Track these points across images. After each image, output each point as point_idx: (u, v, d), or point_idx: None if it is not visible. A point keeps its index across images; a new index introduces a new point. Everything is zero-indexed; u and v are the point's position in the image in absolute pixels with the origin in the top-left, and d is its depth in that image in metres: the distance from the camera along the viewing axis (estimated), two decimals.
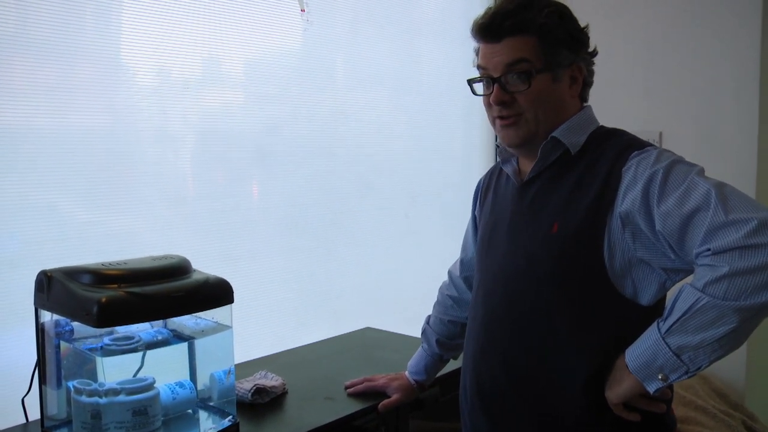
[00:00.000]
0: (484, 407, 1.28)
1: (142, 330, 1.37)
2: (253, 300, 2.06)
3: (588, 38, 1.24)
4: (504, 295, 1.24)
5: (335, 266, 2.35)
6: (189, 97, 1.91)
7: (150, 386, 1.30)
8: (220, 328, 1.41)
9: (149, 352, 1.34)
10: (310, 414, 1.49)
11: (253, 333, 2.04)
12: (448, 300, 1.59)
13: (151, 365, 1.34)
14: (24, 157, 1.60)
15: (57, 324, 1.32)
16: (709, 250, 1.01)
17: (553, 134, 1.20)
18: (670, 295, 1.11)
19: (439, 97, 2.70)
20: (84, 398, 1.26)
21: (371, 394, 1.58)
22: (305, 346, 2.02)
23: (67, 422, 1.32)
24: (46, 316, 1.33)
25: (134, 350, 1.31)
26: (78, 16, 1.67)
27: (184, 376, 1.43)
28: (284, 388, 1.62)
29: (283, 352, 1.96)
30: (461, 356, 1.42)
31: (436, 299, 1.63)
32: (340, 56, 2.34)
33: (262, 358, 1.89)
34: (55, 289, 1.26)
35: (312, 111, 2.23)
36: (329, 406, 1.53)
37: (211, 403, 1.45)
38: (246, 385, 1.55)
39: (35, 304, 1.32)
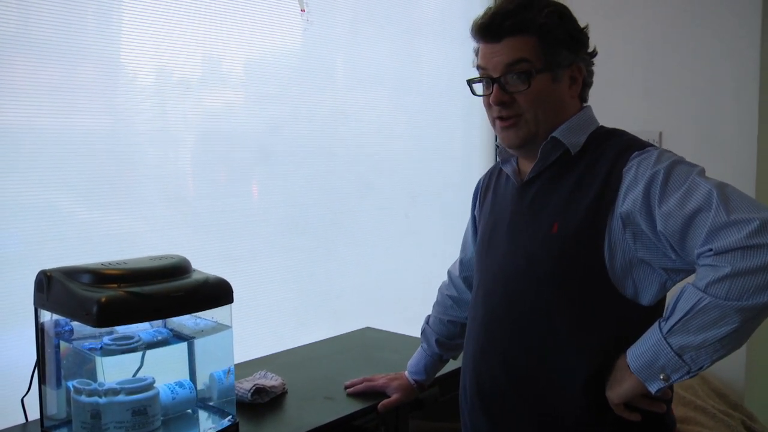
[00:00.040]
0: (484, 407, 1.28)
1: (141, 330, 1.37)
2: (253, 300, 2.06)
3: (587, 38, 1.24)
4: (504, 295, 1.24)
5: (335, 266, 2.35)
6: (189, 98, 1.91)
7: (149, 386, 1.30)
8: (219, 327, 1.41)
9: (149, 352, 1.34)
10: (309, 414, 1.49)
11: (252, 333, 2.04)
12: (447, 300, 1.59)
13: (151, 365, 1.34)
14: (25, 157, 1.60)
15: (57, 324, 1.32)
16: (711, 250, 1.01)
17: (553, 134, 1.20)
18: (671, 295, 1.11)
19: (439, 97, 2.70)
20: (83, 398, 1.26)
21: (371, 394, 1.58)
22: (305, 346, 2.02)
23: (67, 422, 1.32)
24: (46, 316, 1.33)
25: (134, 350, 1.31)
26: (79, 16, 1.67)
27: (184, 375, 1.43)
28: (284, 388, 1.62)
29: (282, 352, 1.96)
30: (461, 356, 1.42)
31: (435, 299, 1.63)
32: (341, 56, 2.34)
33: (261, 357, 1.89)
34: (54, 288, 1.26)
35: (312, 111, 2.23)
36: (329, 406, 1.53)
37: (211, 403, 1.45)
38: (246, 385, 1.55)
39: (35, 303, 1.32)
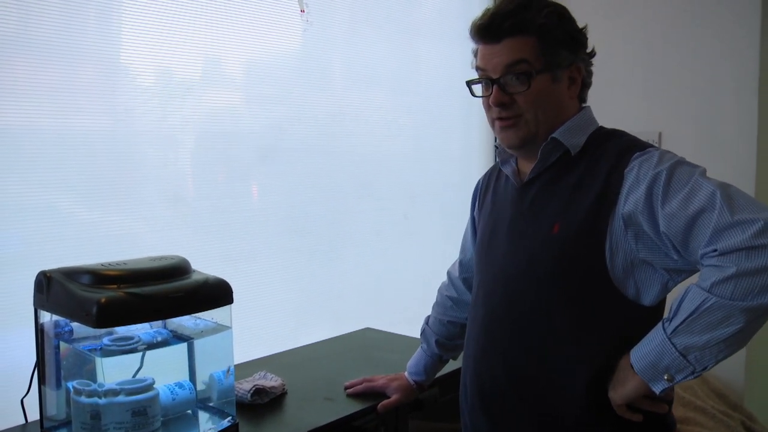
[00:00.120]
0: (484, 407, 1.28)
1: (141, 330, 1.37)
2: (253, 300, 2.06)
3: (586, 39, 1.24)
4: (504, 295, 1.24)
5: (335, 266, 2.35)
6: (189, 98, 1.91)
7: (149, 387, 1.30)
8: (219, 328, 1.41)
9: (148, 353, 1.34)
10: (309, 414, 1.49)
11: (252, 333, 2.04)
12: (447, 301, 1.59)
13: (151, 366, 1.34)
14: (25, 157, 1.60)
15: (56, 324, 1.32)
16: (715, 250, 1.01)
17: (554, 135, 1.20)
18: (671, 296, 1.11)
19: (438, 97, 2.70)
20: (83, 399, 1.26)
21: (371, 395, 1.58)
22: (305, 346, 2.02)
23: (67, 423, 1.32)
24: (46, 317, 1.33)
25: (134, 351, 1.31)
26: (80, 17, 1.67)
27: (184, 376, 1.43)
28: (284, 389, 1.62)
29: (282, 352, 1.96)
30: (461, 356, 1.42)
31: (435, 300, 1.63)
32: (340, 57, 2.34)
33: (261, 358, 1.89)
34: (54, 289, 1.26)
35: (312, 111, 2.23)
36: (329, 407, 1.54)
37: (211, 404, 1.45)
38: (245, 386, 1.55)
39: (35, 304, 1.32)
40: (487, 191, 1.40)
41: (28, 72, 1.60)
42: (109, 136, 1.75)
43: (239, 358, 1.67)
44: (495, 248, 1.29)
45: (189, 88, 1.91)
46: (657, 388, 1.07)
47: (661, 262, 1.11)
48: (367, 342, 2.08)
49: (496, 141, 1.46)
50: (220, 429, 1.38)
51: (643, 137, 1.22)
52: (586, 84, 1.26)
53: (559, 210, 1.18)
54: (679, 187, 1.06)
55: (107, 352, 1.28)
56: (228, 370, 1.43)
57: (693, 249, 1.05)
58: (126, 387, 1.27)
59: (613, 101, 2.58)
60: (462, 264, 1.56)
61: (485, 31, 1.19)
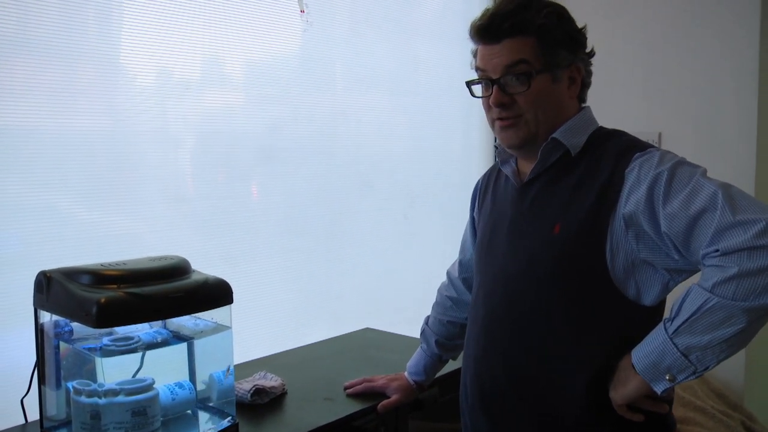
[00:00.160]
0: (484, 407, 1.28)
1: (141, 330, 1.37)
2: (253, 300, 2.06)
3: (586, 39, 1.24)
4: (504, 295, 1.24)
5: (335, 266, 2.35)
6: (189, 99, 1.91)
7: (149, 387, 1.30)
8: (219, 328, 1.41)
9: (148, 353, 1.34)
10: (309, 414, 1.49)
11: (252, 333, 2.03)
12: (447, 301, 1.59)
13: (151, 366, 1.34)
14: (25, 158, 1.60)
15: (56, 324, 1.32)
16: (717, 250, 1.01)
17: (554, 135, 1.20)
18: (671, 296, 1.11)
19: (438, 97, 2.70)
20: (83, 399, 1.26)
21: (370, 395, 1.58)
22: (305, 346, 2.02)
23: (67, 423, 1.32)
24: (46, 317, 1.33)
25: (133, 351, 1.31)
26: (79, 18, 1.67)
27: (184, 376, 1.43)
28: (284, 389, 1.62)
29: (282, 352, 1.96)
30: (461, 357, 1.42)
31: (435, 300, 1.63)
32: (340, 57, 2.34)
33: (261, 358, 1.89)
34: (54, 289, 1.26)
35: (312, 111, 2.23)
36: (329, 407, 1.54)
37: (211, 404, 1.45)
38: (245, 386, 1.55)
39: (34, 304, 1.32)
40: (486, 191, 1.40)
41: (27, 72, 1.60)
42: (108, 136, 1.75)
43: (239, 358, 1.67)
44: (495, 248, 1.29)
45: (188, 89, 1.91)
46: (658, 388, 1.07)
47: (662, 263, 1.11)
48: (366, 342, 2.08)
49: (496, 141, 1.46)
50: (219, 429, 1.38)
51: (643, 137, 1.22)
52: (585, 84, 1.26)
53: (559, 210, 1.18)
54: (680, 188, 1.06)
55: (107, 352, 1.28)
56: (228, 370, 1.43)
57: (694, 249, 1.05)
58: (126, 387, 1.27)
59: (613, 101, 2.58)
60: (462, 264, 1.56)
61: (485, 31, 1.19)
